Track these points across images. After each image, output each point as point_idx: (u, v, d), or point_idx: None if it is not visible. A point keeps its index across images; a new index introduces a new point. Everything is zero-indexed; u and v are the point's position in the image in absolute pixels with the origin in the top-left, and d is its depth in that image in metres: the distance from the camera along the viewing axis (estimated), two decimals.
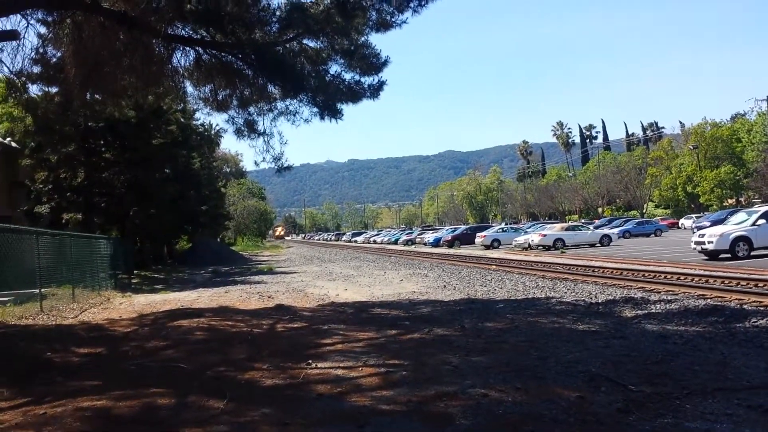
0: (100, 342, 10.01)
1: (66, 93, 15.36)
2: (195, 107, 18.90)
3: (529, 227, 51.31)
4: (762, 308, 10.74)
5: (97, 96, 16.28)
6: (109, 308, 15.21)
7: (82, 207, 28.79)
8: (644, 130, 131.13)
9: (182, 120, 33.31)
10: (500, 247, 43.88)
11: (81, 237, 19.46)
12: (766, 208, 23.31)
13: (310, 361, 7.58)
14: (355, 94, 14.05)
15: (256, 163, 22.81)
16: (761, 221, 21.43)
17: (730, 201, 68.20)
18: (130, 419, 5.51)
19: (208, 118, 45.21)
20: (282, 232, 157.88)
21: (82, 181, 28.95)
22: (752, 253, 21.01)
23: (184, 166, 34.45)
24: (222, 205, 49.98)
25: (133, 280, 25.20)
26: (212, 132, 46.11)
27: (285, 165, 15.32)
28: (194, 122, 37.67)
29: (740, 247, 21.08)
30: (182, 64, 13.90)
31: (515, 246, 40.45)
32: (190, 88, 15.15)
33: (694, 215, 57.98)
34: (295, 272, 27.99)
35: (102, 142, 30.17)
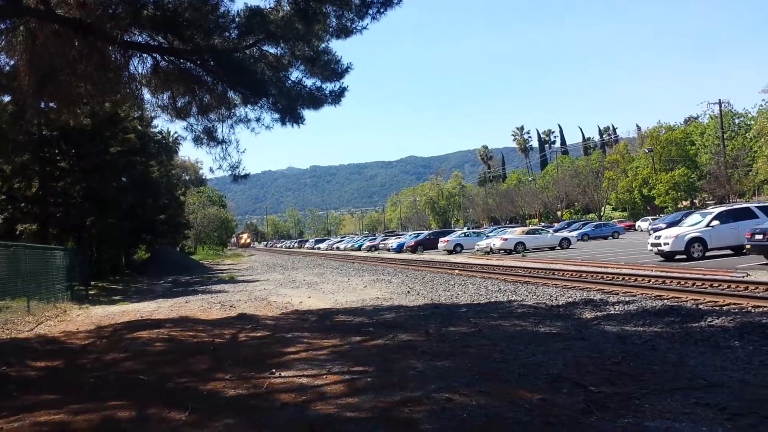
0: (57, 355, 9.77)
1: (19, 101, 14.99)
2: (153, 115, 18.65)
3: (491, 231, 51.79)
4: (717, 308, 11.03)
5: (51, 104, 15.92)
6: (66, 320, 14.85)
7: (37, 217, 28.11)
8: (601, 134, 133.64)
9: (140, 128, 32.79)
10: (463, 251, 44.21)
11: (36, 248, 18.96)
12: (720, 209, 23.93)
13: (274, 370, 7.51)
14: (316, 101, 14.01)
15: (212, 171, 22.65)
16: (715, 222, 21.99)
17: (684, 203, 70.00)
18: None
19: (167, 125, 44.71)
20: (248, 240, 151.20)
21: (36, 191, 28.27)
22: (707, 254, 21.54)
23: (142, 174, 33.91)
24: (181, 213, 49.34)
25: (91, 292, 24.63)
26: (171, 140, 45.50)
27: (242, 173, 15.16)
28: (152, 130, 37.12)
29: (695, 248, 21.59)
30: (139, 71, 13.68)
31: (477, 250, 40.80)
32: (147, 96, 14.91)
33: (650, 217, 59.33)
34: (257, 280, 27.72)
35: (57, 150, 29.51)
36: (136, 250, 46.27)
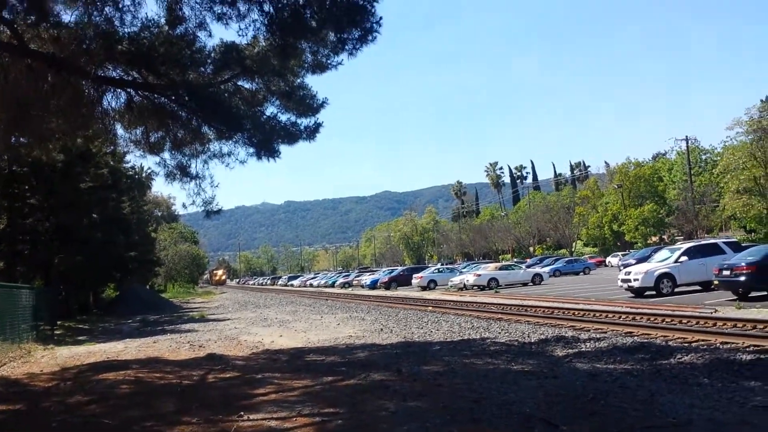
0: (19, 398, 9.49)
1: None
2: (126, 150, 18.43)
3: (465, 267, 51.94)
4: (686, 345, 11.16)
5: (22, 139, 15.73)
6: (30, 362, 14.46)
7: (5, 255, 27.53)
8: (572, 169, 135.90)
9: (112, 163, 32.49)
10: (436, 287, 44.17)
11: (1, 287, 18.53)
12: (688, 245, 24.29)
13: (242, 413, 7.36)
14: (291, 136, 14.03)
15: (184, 206, 22.43)
16: (683, 258, 22.31)
17: (654, 238, 70.96)
18: None
19: (139, 161, 44.30)
20: (222, 277, 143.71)
21: (4, 228, 27.72)
22: (676, 290, 21.76)
23: (113, 210, 33.50)
24: (152, 250, 48.67)
25: (57, 332, 24.04)
26: (143, 175, 45.18)
27: (215, 209, 15.05)
28: (125, 165, 36.79)
29: (664, 284, 21.79)
30: (113, 105, 13.56)
31: (451, 286, 40.80)
32: (120, 131, 14.78)
33: (620, 253, 59.95)
34: (228, 319, 27.34)
35: (27, 187, 29.03)
36: (104, 289, 45.42)
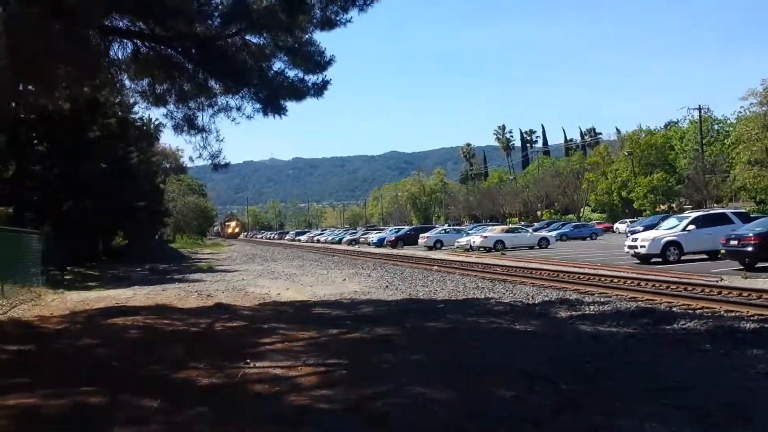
0: (29, 339, 9.65)
1: None
2: (133, 100, 18.40)
3: (471, 229, 52.00)
4: (690, 311, 11.18)
5: (30, 87, 15.66)
6: (41, 305, 14.67)
7: (13, 200, 27.70)
8: (582, 135, 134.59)
9: (119, 113, 32.36)
10: (443, 248, 44.33)
11: (11, 231, 18.70)
12: (696, 214, 24.23)
13: (249, 361, 7.48)
14: (298, 92, 13.91)
15: (191, 159, 22.39)
16: (691, 227, 22.26)
17: (662, 206, 70.66)
18: (59, 418, 5.32)
19: (147, 112, 44.01)
20: (236, 229, 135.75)
21: (13, 174, 27.83)
22: (682, 258, 21.79)
23: (121, 160, 33.48)
24: (160, 201, 48.82)
25: (66, 277, 24.35)
26: (152, 126, 44.96)
27: (222, 163, 15.03)
28: (132, 116, 36.66)
29: (671, 252, 21.82)
30: (119, 56, 13.44)
31: (457, 247, 40.94)
32: (127, 81, 14.72)
33: (628, 220, 59.82)
34: (236, 271, 27.60)
35: (34, 134, 29.03)
36: (113, 237, 45.76)
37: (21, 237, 18.87)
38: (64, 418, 5.32)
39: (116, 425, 5.03)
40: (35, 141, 29.29)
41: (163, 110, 14.74)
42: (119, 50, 13.31)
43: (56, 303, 15.11)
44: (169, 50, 13.26)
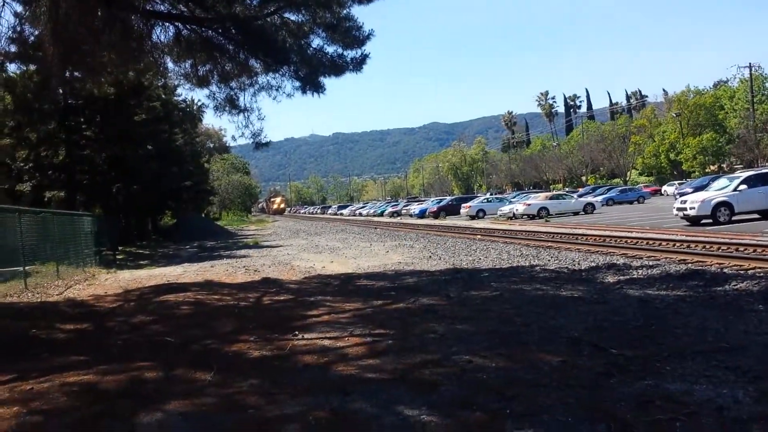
0: (85, 318, 10.00)
1: (44, 71, 15.10)
2: (176, 83, 18.67)
3: (514, 197, 51.49)
4: (742, 272, 10.92)
5: (76, 73, 16.01)
6: (94, 284, 15.16)
7: (65, 185, 28.56)
8: (628, 98, 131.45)
9: (163, 96, 32.94)
10: (485, 217, 44.08)
11: (64, 214, 19.33)
12: (748, 173, 23.50)
13: (297, 333, 7.62)
14: (337, 68, 13.92)
15: (234, 138, 22.72)
16: (742, 187, 21.61)
17: (712, 167, 68.73)
18: (117, 393, 5.52)
19: (190, 94, 44.79)
20: (281, 205, 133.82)
21: (63, 159, 28.68)
22: (733, 218, 21.22)
23: (167, 142, 34.18)
24: (206, 180, 49.75)
25: (118, 257, 25.10)
26: (194, 108, 45.66)
27: (264, 141, 15.21)
28: (176, 98, 37.27)
29: (721, 213, 21.26)
30: (162, 39, 13.70)
31: (500, 216, 40.64)
32: (170, 64, 14.95)
33: (676, 182, 58.39)
34: (281, 246, 27.98)
35: (82, 119, 29.80)
36: (162, 216, 46.87)
37: (73, 220, 19.49)
38: (122, 393, 5.51)
39: (172, 399, 5.19)
40: (83, 126, 30.06)
41: (205, 91, 14.97)
42: (161, 34, 13.57)
43: (109, 282, 15.60)
44: (210, 32, 13.41)
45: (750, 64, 58.26)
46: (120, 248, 28.00)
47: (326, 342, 7.13)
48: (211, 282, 14.18)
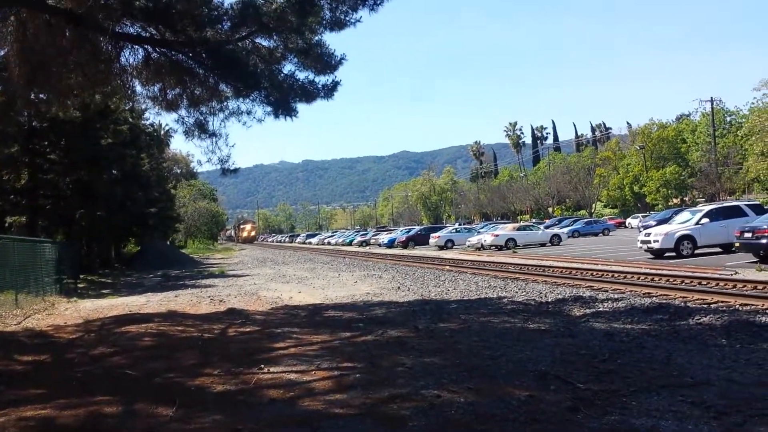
0: (44, 349, 9.70)
1: (9, 92, 14.85)
2: (144, 107, 18.52)
3: (482, 227, 51.85)
4: (705, 306, 11.11)
5: (42, 95, 15.78)
6: (54, 314, 14.76)
7: (26, 209, 27.93)
8: (593, 130, 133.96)
9: (131, 120, 32.60)
10: (454, 247, 44.26)
11: (25, 241, 18.85)
12: (710, 207, 24.00)
13: (263, 366, 7.49)
14: (309, 94, 13.94)
15: (200, 164, 22.56)
16: (704, 220, 22.07)
17: (675, 200, 70.16)
18: (75, 428, 5.35)
19: (158, 118, 44.39)
20: (252, 232, 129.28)
21: (26, 183, 28.07)
22: (696, 252, 21.62)
23: (133, 166, 33.72)
24: (172, 206, 49.11)
25: (80, 285, 24.51)
26: (162, 132, 45.33)
27: (232, 167, 15.10)
28: (143, 122, 36.92)
29: (684, 246, 21.65)
30: (131, 62, 13.58)
31: (468, 246, 40.85)
32: (138, 87, 14.79)
33: (640, 214, 59.42)
34: (247, 275, 27.67)
35: (47, 142, 29.28)
36: (126, 244, 46.07)
37: (35, 246, 19.02)
38: (80, 429, 5.34)
39: None
40: (48, 149, 29.53)
41: (174, 116, 14.83)
42: (130, 56, 13.45)
43: (70, 312, 15.20)
44: (180, 55, 13.32)
45: (711, 98, 60.02)
46: (82, 276, 27.35)
47: (293, 376, 7.02)
48: (174, 312, 13.90)
